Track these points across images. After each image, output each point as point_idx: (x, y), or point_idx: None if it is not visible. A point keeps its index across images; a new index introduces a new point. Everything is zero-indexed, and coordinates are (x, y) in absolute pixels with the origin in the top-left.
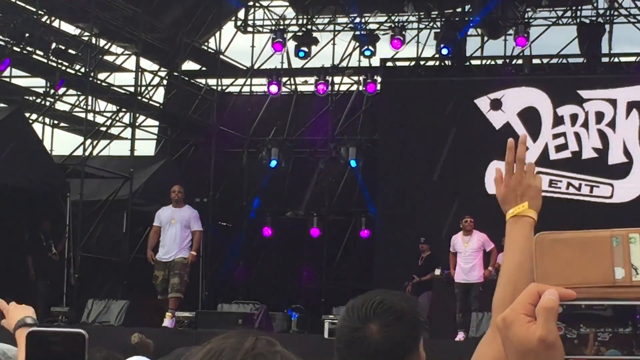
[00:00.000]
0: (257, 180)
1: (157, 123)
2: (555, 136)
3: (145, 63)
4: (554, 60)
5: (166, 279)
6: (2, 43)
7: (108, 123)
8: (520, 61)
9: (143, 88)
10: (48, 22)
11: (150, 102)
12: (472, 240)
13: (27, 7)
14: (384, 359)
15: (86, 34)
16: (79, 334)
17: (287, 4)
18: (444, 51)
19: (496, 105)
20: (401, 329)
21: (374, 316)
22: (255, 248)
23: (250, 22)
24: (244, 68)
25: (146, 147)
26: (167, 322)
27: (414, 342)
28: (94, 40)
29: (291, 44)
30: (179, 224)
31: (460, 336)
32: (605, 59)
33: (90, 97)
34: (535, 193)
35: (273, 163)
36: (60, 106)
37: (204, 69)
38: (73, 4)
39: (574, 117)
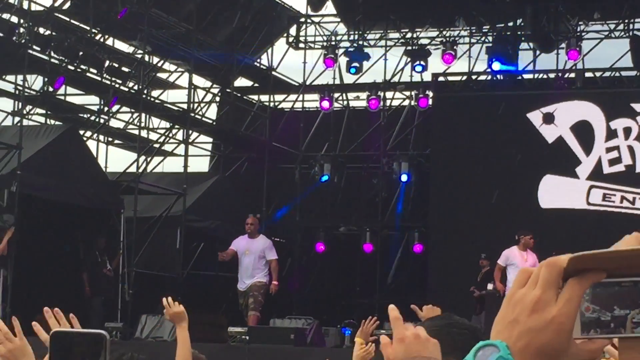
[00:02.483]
0: (310, 195)
1: (210, 139)
2: (609, 150)
3: (197, 80)
4: (607, 74)
5: (246, 304)
6: (57, 62)
7: (161, 140)
8: (572, 75)
9: (196, 105)
10: (101, 40)
11: (203, 118)
12: (529, 256)
13: (81, 25)
14: None
15: (139, 51)
16: (100, 334)
17: (338, 19)
18: (496, 65)
19: (549, 119)
20: (447, 333)
21: (429, 320)
22: (308, 263)
23: (302, 39)
24: (296, 84)
25: (199, 164)
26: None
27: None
28: (146, 58)
29: (343, 60)
30: (254, 255)
31: None
32: None
33: (143, 114)
34: (434, 347)
35: (324, 177)
36: (114, 123)
37: (256, 85)
38: (126, 22)
39: (627, 131)
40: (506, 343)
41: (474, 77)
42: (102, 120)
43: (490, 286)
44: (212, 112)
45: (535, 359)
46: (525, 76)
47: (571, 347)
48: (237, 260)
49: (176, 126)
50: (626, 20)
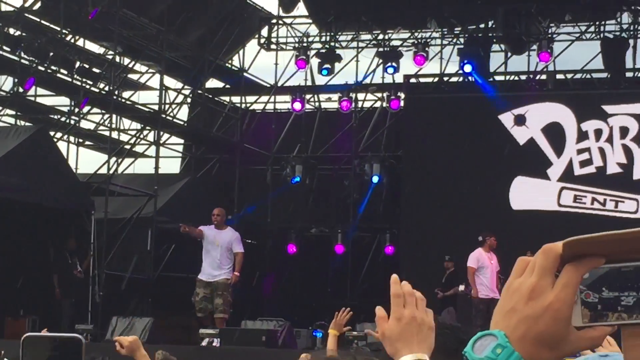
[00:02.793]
0: (281, 196)
1: (181, 141)
2: (580, 151)
3: (169, 81)
4: (578, 76)
5: (207, 297)
6: (27, 62)
7: (132, 141)
8: (544, 76)
9: (167, 106)
10: (72, 41)
11: (175, 120)
12: (493, 257)
13: (52, 26)
14: None
15: (110, 52)
16: (76, 338)
17: (310, 21)
18: (468, 67)
19: (520, 120)
20: (446, 340)
21: None
22: (279, 265)
23: (273, 40)
24: (268, 85)
25: (170, 165)
26: (215, 342)
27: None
28: (118, 59)
29: (314, 61)
30: (222, 247)
31: None
32: (629, 74)
33: (114, 116)
34: (429, 331)
35: (296, 179)
36: (84, 124)
37: (228, 86)
38: (97, 23)
39: (598, 132)
40: (504, 332)
41: (445, 78)
42: (72, 122)
43: (461, 287)
44: (183, 114)
45: (534, 347)
46: (497, 78)
47: (570, 335)
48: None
49: (147, 127)
50: (597, 22)
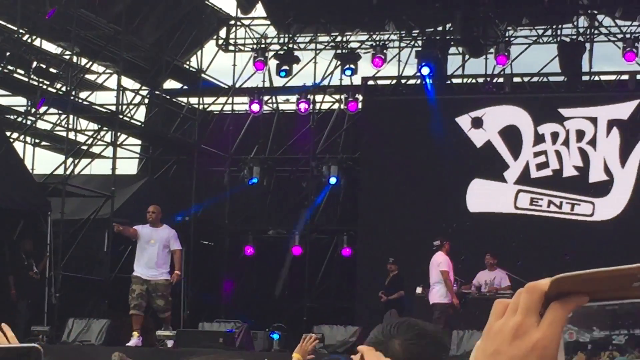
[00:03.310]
0: (238, 197)
1: (138, 142)
2: (536, 154)
3: (126, 82)
4: (535, 79)
5: (143, 294)
6: None
7: (89, 142)
8: (501, 79)
9: (124, 107)
10: (29, 40)
11: (132, 120)
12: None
13: (8, 25)
14: None
15: (67, 52)
16: (34, 348)
17: (268, 22)
18: (425, 70)
19: (477, 123)
20: (423, 346)
21: (397, 333)
22: (237, 267)
23: (231, 41)
24: (226, 87)
25: (128, 166)
26: (132, 341)
27: (434, 354)
28: (75, 59)
29: (273, 63)
30: (158, 244)
31: None
32: (585, 78)
33: (71, 116)
34: None
35: (254, 180)
36: (41, 125)
37: (185, 87)
38: (54, 23)
39: (554, 135)
40: None
41: (403, 81)
42: (29, 122)
43: (419, 289)
44: (140, 115)
45: None
46: (454, 80)
47: None
48: (135, 245)
49: (104, 128)
50: (554, 26)
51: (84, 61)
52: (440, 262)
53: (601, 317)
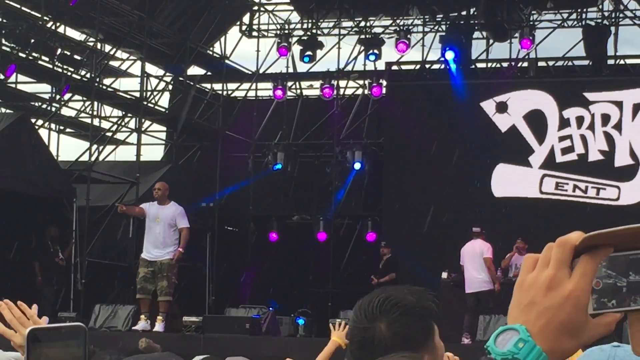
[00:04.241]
0: (262, 183)
1: (163, 128)
2: (562, 139)
3: (150, 68)
4: (560, 63)
5: (148, 277)
6: (8, 49)
7: (114, 128)
8: (525, 64)
9: (149, 93)
10: (53, 28)
11: (156, 107)
12: None
13: (33, 13)
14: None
15: (91, 39)
16: (80, 327)
17: (292, 8)
18: (449, 54)
19: (502, 108)
20: (410, 323)
21: (381, 314)
22: (262, 253)
23: (255, 27)
24: (249, 73)
25: (152, 152)
26: (159, 326)
27: (425, 334)
28: (99, 46)
29: (296, 48)
30: (164, 223)
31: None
32: (610, 61)
33: (95, 103)
34: None
35: (278, 166)
36: (66, 112)
37: (209, 73)
38: (78, 10)
39: (579, 120)
40: (525, 326)
41: (427, 66)
42: (54, 109)
43: (444, 274)
44: (164, 101)
45: (556, 337)
46: (479, 65)
47: (589, 323)
48: (145, 227)
49: (129, 114)
50: (579, 10)
51: (107, 48)
52: (483, 250)
53: (636, 263)
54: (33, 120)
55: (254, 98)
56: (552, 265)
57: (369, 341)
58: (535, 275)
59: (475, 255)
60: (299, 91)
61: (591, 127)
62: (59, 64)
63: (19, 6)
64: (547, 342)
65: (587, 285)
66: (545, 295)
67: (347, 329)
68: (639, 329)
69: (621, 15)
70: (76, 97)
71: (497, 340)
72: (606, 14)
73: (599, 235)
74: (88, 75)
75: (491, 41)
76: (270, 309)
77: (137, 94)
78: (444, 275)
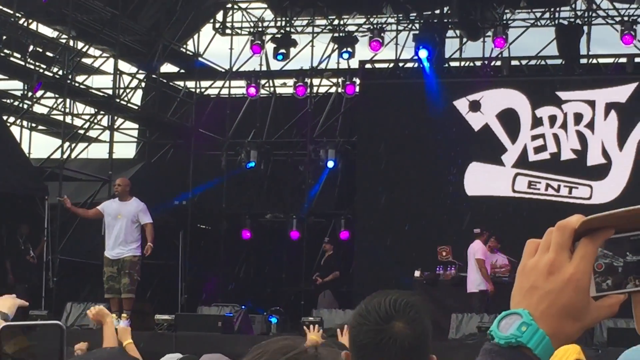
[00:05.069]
0: (235, 181)
1: (135, 126)
2: (534, 137)
3: (123, 65)
4: (533, 62)
5: (114, 276)
6: None
7: (86, 126)
8: (499, 63)
9: (121, 90)
10: (25, 24)
11: (129, 104)
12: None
13: (4, 9)
14: (414, 352)
15: (64, 36)
16: (57, 326)
17: (265, 6)
18: (423, 53)
19: (475, 106)
20: (425, 322)
21: (397, 313)
22: (234, 251)
23: (228, 24)
24: (223, 70)
25: (125, 150)
26: (123, 323)
27: (431, 331)
28: (71, 43)
29: (270, 46)
30: (126, 219)
31: None
32: (583, 61)
33: (68, 100)
34: None
35: (251, 164)
36: (38, 109)
37: (182, 71)
38: (50, 7)
39: (552, 119)
40: (527, 310)
41: (400, 64)
42: (25, 106)
43: (417, 273)
44: (137, 98)
45: (559, 320)
46: (452, 64)
47: (591, 305)
48: (104, 225)
49: (101, 112)
50: (552, 9)
51: (80, 45)
52: (476, 250)
53: (635, 244)
54: (5, 118)
55: (227, 96)
56: (553, 249)
57: (387, 341)
58: (536, 260)
59: (471, 256)
60: (272, 89)
61: (564, 126)
62: (31, 61)
63: None
64: (549, 326)
65: (587, 268)
66: (546, 279)
67: (348, 334)
68: None
69: (594, 14)
70: (48, 94)
71: (500, 324)
72: (579, 13)
73: (599, 218)
74: (60, 72)
75: (464, 40)
76: (243, 307)
77: (110, 92)
78: (417, 273)
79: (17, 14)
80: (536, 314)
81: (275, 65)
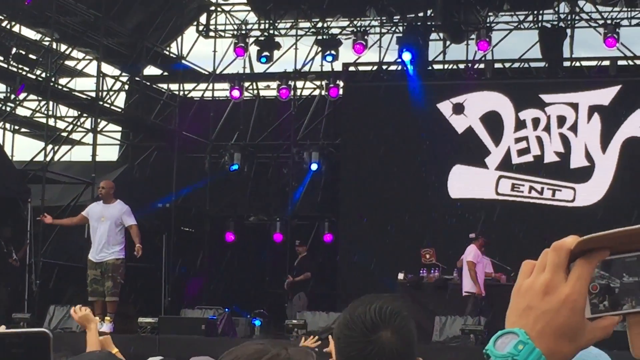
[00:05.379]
0: (219, 184)
1: (119, 128)
2: (518, 140)
3: (106, 68)
4: (516, 65)
5: (97, 279)
6: None
7: (69, 128)
8: (482, 65)
9: (104, 93)
10: (8, 27)
11: (112, 107)
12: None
13: None
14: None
15: (47, 39)
16: (43, 333)
17: (249, 8)
18: (406, 56)
19: (458, 109)
20: (412, 329)
21: (383, 323)
22: (217, 253)
23: (212, 27)
24: (206, 73)
25: (108, 153)
26: (106, 326)
27: (416, 335)
28: (54, 45)
29: (253, 49)
30: (109, 222)
31: None
32: (566, 64)
33: (51, 103)
34: None
35: (234, 167)
36: (21, 111)
37: (165, 73)
38: (34, 9)
39: (535, 121)
40: (523, 330)
41: (384, 67)
42: (8, 108)
43: (401, 275)
44: (120, 101)
45: (554, 341)
46: (436, 66)
47: (586, 326)
48: (88, 228)
49: (84, 115)
50: (535, 12)
51: (63, 47)
52: (467, 253)
53: (630, 266)
54: None
55: (210, 98)
56: (548, 269)
57: (375, 352)
58: (532, 280)
59: (464, 259)
60: (255, 92)
61: (547, 128)
62: (14, 64)
63: None
64: (545, 346)
65: (583, 289)
66: (542, 300)
67: (334, 345)
68: (638, 332)
69: (577, 17)
70: (31, 96)
71: (496, 343)
72: (562, 16)
73: (594, 239)
74: (43, 75)
75: (448, 43)
76: (227, 310)
77: (93, 94)
78: (401, 276)
79: (0, 17)
80: (532, 334)
81: (259, 67)
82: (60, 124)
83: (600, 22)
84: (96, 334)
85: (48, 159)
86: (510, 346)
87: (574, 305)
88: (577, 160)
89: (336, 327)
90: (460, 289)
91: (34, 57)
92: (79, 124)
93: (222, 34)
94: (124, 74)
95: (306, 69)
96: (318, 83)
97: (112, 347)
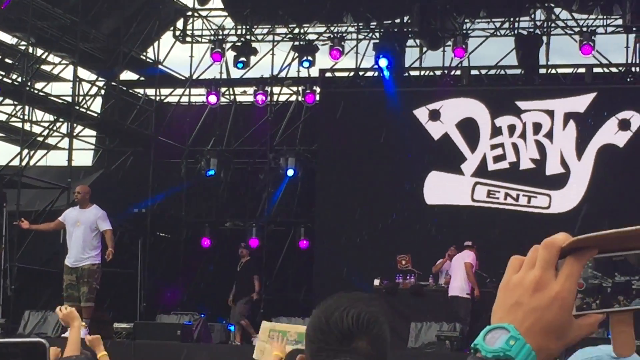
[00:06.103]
0: (195, 189)
1: (94, 133)
2: (493, 147)
3: (82, 73)
4: (492, 72)
5: (73, 284)
6: None
7: (45, 133)
8: (458, 72)
9: (80, 98)
10: None
11: (88, 112)
12: None
13: None
14: None
15: (23, 43)
16: (40, 343)
17: (226, 14)
18: (383, 62)
19: (435, 116)
20: (387, 335)
21: (360, 331)
22: (193, 259)
23: (189, 32)
24: (183, 78)
25: (84, 158)
26: (81, 332)
27: (389, 341)
28: (30, 50)
29: (230, 54)
30: (84, 226)
31: None
32: (542, 71)
33: (27, 107)
34: None
35: (211, 172)
36: None
37: (142, 78)
38: (10, 13)
39: (511, 128)
40: (513, 325)
41: (361, 73)
42: None
43: (376, 281)
44: (97, 106)
45: (543, 337)
46: (412, 73)
47: (573, 324)
48: (64, 233)
49: (60, 119)
50: (511, 19)
51: (39, 52)
52: (467, 256)
53: (621, 265)
54: None
55: (187, 104)
56: (539, 266)
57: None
58: (521, 276)
59: (457, 262)
60: (232, 97)
61: (523, 135)
62: None
63: None
64: (534, 342)
65: (573, 287)
66: (531, 296)
67: (306, 348)
68: (620, 330)
69: (553, 24)
70: (7, 101)
71: (486, 337)
72: (538, 23)
73: (586, 238)
74: (19, 79)
75: (425, 49)
76: (202, 315)
77: (69, 99)
78: (376, 282)
79: None
80: (521, 330)
81: (236, 73)
82: (36, 129)
83: (576, 29)
84: (78, 333)
85: (24, 163)
86: (502, 341)
87: (564, 302)
88: (553, 167)
89: (310, 328)
90: (441, 294)
91: (10, 62)
92: (54, 128)
93: (199, 39)
94: (100, 78)
95: (283, 74)
96: (295, 89)
97: (100, 349)
